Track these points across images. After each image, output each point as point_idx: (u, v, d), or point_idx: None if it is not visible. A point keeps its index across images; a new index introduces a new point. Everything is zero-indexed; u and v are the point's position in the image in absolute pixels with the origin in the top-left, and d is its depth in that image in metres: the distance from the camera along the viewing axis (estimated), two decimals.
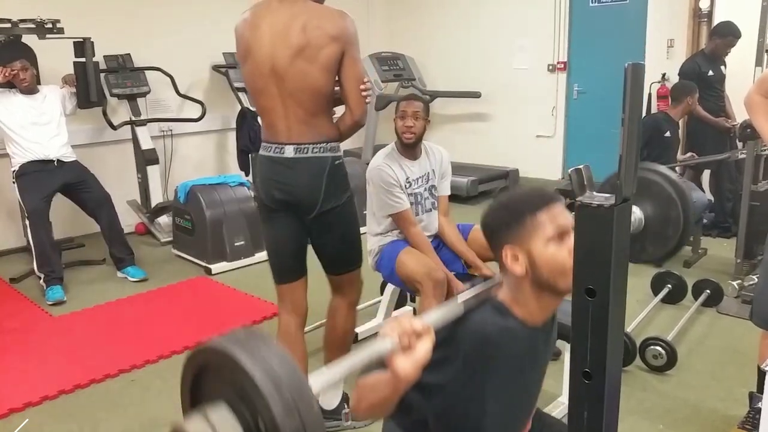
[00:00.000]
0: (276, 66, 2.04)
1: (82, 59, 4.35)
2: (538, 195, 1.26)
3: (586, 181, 0.96)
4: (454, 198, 3.21)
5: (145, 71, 5.05)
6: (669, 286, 3.47)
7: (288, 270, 2.28)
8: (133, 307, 3.69)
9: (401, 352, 1.01)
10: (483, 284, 1.27)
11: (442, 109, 6.54)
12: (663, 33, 5.40)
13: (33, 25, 4.21)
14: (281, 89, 2.07)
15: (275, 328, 2.36)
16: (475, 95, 6.28)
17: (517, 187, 1.29)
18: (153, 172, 5.04)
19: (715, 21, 5.03)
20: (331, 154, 2.15)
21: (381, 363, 1.03)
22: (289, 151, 2.11)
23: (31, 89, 4.04)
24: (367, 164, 2.87)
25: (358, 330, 2.92)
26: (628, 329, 2.90)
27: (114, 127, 4.81)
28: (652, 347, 2.76)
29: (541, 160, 6.31)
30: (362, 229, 2.49)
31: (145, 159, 4.99)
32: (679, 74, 4.74)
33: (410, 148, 2.75)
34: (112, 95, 4.84)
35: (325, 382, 0.92)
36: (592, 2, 5.88)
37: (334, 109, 2.23)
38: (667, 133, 4.19)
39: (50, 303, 3.70)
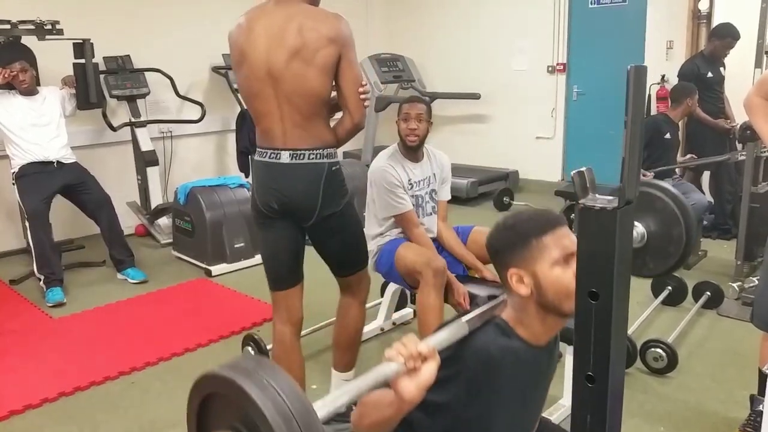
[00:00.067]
0: (272, 68, 2.01)
1: (82, 60, 4.35)
2: (543, 218, 1.26)
3: (589, 184, 0.96)
4: (453, 199, 3.20)
5: (145, 72, 5.04)
6: (669, 288, 3.47)
7: (284, 276, 2.24)
8: (133, 309, 3.68)
9: (406, 375, 1.02)
10: (486, 305, 1.27)
11: (442, 110, 6.53)
12: (662, 34, 5.40)
13: (32, 27, 4.21)
14: (277, 92, 2.03)
15: None
16: (475, 96, 6.27)
17: (523, 210, 1.29)
18: (153, 173, 5.03)
19: (715, 22, 5.03)
20: (328, 160, 2.11)
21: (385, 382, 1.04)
22: (285, 157, 2.07)
23: (30, 91, 4.03)
24: (368, 166, 2.86)
25: None
26: (629, 331, 2.88)
27: (114, 129, 4.81)
28: (652, 349, 2.76)
29: (541, 162, 6.31)
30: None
31: (145, 160, 4.98)
32: (678, 76, 4.73)
33: (413, 151, 2.74)
34: (111, 96, 4.83)
35: (331, 411, 0.94)
36: (591, 3, 5.88)
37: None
38: (667, 135, 4.18)
39: (50, 305, 3.69)
